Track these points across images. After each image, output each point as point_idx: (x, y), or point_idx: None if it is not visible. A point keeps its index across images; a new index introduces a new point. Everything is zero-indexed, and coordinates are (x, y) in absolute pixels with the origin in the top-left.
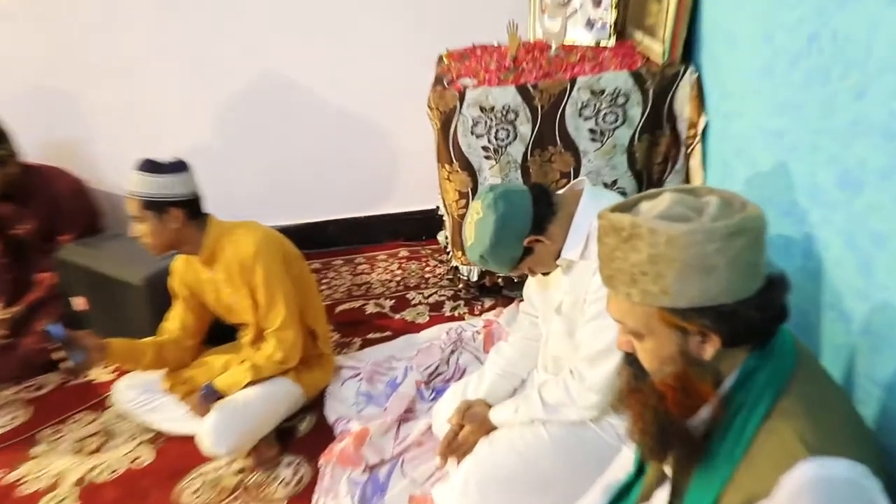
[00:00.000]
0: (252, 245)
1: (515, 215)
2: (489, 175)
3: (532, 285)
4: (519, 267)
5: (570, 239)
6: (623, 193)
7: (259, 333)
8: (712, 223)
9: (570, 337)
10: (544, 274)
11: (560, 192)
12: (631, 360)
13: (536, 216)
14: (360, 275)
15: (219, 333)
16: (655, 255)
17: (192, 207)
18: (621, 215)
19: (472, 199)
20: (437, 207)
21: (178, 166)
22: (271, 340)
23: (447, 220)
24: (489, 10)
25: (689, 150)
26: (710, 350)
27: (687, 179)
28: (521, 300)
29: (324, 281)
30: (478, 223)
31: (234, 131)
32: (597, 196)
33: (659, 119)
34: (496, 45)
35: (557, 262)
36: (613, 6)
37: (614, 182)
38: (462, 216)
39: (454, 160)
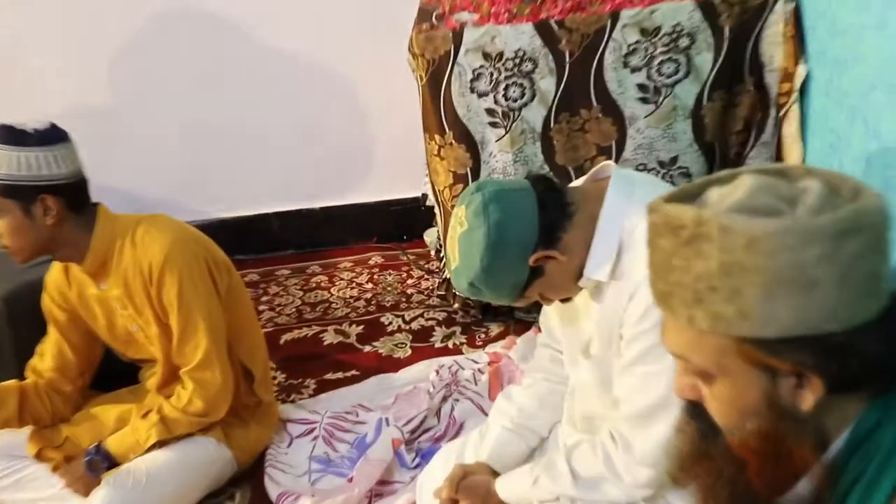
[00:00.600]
0: (161, 248)
1: (515, 224)
2: (496, 150)
3: (552, 313)
4: (525, 295)
5: (594, 251)
6: (686, 176)
7: (171, 373)
8: (813, 218)
9: (605, 388)
10: (564, 301)
11: (576, 183)
12: (696, 412)
13: (545, 222)
14: (316, 290)
15: (112, 374)
16: (730, 264)
17: (72, 195)
18: (681, 207)
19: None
20: (424, 196)
21: (52, 135)
22: (188, 384)
23: (438, 213)
24: None
25: (783, 112)
26: (809, 398)
27: (778, 156)
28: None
29: (264, 299)
30: (463, 238)
31: (137, 88)
32: (629, 185)
33: (738, 69)
34: None
35: (580, 283)
36: None
37: (674, 160)
38: None
39: (447, 129)
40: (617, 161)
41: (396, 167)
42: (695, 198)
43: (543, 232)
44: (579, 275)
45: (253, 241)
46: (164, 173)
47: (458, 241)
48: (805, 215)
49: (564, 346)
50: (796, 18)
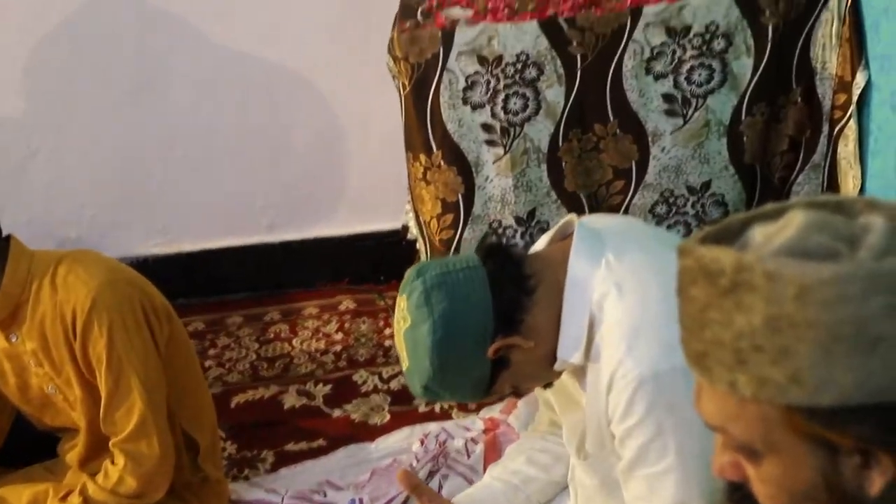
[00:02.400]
0: (88, 291)
1: (464, 312)
2: (493, 173)
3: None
4: (494, 389)
5: (564, 329)
6: (720, 205)
7: (97, 445)
8: (877, 262)
9: (609, 492)
10: (546, 387)
11: (539, 244)
12: (739, 496)
13: (500, 304)
14: (274, 341)
15: (24, 446)
16: (778, 319)
17: None
18: (719, 249)
19: (464, 214)
20: (405, 228)
21: None
22: (119, 458)
23: (422, 248)
24: None
25: (837, 129)
26: (877, 481)
27: (831, 181)
28: None
29: (211, 353)
30: (407, 336)
31: (56, 95)
32: (595, 242)
33: (784, 77)
34: None
35: (556, 367)
36: None
37: (706, 185)
38: (447, 242)
39: (435, 148)
40: (638, 186)
41: (372, 193)
42: (735, 237)
43: (500, 316)
44: (554, 358)
45: (199, 282)
46: (90, 200)
47: (403, 338)
48: (868, 259)
49: (564, 430)
50: (854, 16)
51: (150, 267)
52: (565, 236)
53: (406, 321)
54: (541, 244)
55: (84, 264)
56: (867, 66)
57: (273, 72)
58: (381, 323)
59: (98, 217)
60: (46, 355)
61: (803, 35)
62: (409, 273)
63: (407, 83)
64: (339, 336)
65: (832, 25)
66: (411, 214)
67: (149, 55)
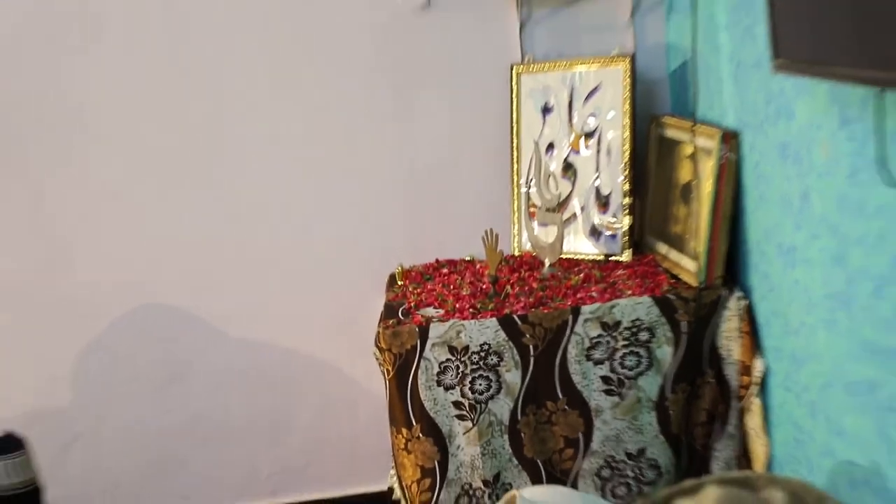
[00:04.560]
0: None
1: None
2: (464, 443)
3: None
4: None
5: None
6: (655, 468)
7: None
8: None
9: None
10: None
11: None
12: None
13: None
14: None
15: None
16: None
17: None
18: None
19: (440, 479)
20: (391, 489)
21: (8, 444)
22: None
23: None
24: (457, 214)
25: (745, 406)
26: None
27: (744, 446)
28: None
29: None
30: None
31: (97, 385)
32: None
33: (698, 362)
34: (468, 259)
35: None
36: (625, 212)
37: (641, 452)
38: None
39: (414, 422)
40: (586, 453)
41: (360, 461)
42: None
43: None
44: None
45: None
46: (123, 479)
47: None
48: None
49: None
50: (750, 314)
51: None
52: None
53: None
54: None
55: None
56: (763, 355)
57: (279, 363)
58: None
59: (126, 492)
60: None
61: (710, 329)
62: None
63: (391, 369)
64: None
65: (734, 322)
66: (395, 479)
67: (176, 355)
